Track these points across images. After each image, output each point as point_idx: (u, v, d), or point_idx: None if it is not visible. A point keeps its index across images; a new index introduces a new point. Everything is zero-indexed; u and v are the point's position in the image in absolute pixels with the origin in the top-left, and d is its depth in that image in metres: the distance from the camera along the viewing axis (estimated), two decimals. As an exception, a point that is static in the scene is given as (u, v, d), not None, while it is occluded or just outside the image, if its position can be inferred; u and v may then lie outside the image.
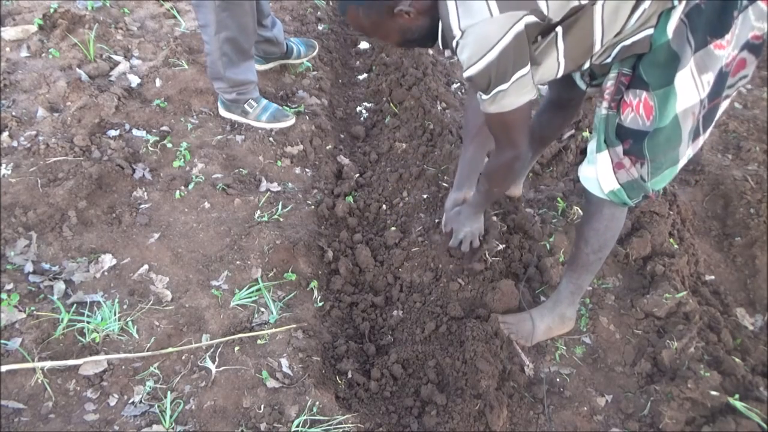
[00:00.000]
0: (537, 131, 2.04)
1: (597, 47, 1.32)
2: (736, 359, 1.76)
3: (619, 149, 1.38)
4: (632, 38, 1.29)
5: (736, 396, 1.64)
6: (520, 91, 1.31)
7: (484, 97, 1.32)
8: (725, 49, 1.25)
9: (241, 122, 2.45)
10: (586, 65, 1.40)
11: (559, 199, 2.25)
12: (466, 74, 1.27)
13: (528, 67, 1.27)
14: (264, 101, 2.45)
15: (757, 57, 1.32)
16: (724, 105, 1.39)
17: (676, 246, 2.07)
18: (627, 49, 1.31)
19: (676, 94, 1.27)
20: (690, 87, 1.27)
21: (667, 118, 1.30)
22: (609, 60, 1.37)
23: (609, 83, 1.38)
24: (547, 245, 2.08)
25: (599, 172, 1.44)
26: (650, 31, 1.27)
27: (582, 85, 1.62)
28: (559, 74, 1.40)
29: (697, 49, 1.24)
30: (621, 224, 1.59)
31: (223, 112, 2.47)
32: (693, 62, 1.25)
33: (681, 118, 1.30)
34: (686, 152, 1.38)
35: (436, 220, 2.14)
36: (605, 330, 1.88)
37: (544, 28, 1.26)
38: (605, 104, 1.38)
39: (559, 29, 1.28)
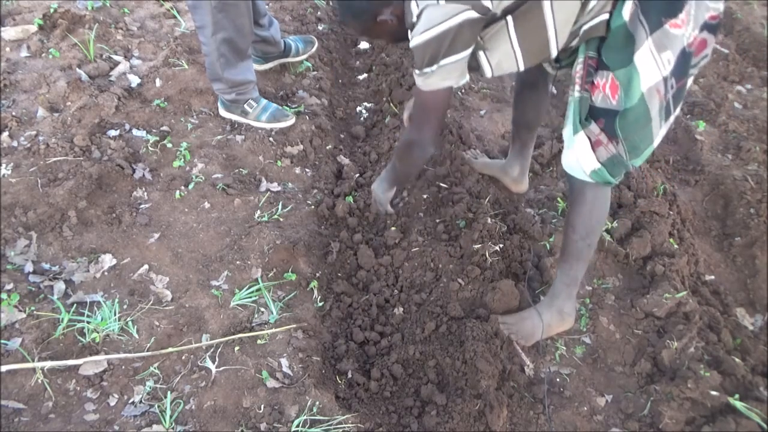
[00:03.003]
0: (520, 119, 2.09)
1: (553, 43, 1.43)
2: (736, 359, 1.76)
3: (594, 127, 1.45)
4: (590, 23, 1.39)
5: (736, 396, 1.64)
6: (444, 76, 1.44)
7: (416, 72, 1.47)
8: (682, 28, 1.33)
9: (241, 122, 2.46)
10: (553, 56, 1.48)
11: (559, 199, 2.25)
12: (411, 44, 1.44)
13: (459, 56, 1.40)
14: (264, 101, 2.45)
15: (715, 36, 1.41)
16: (689, 83, 1.46)
17: (676, 246, 2.06)
18: (586, 33, 1.40)
19: (639, 73, 1.34)
20: (651, 65, 1.34)
21: (633, 98, 1.36)
22: (573, 44, 1.45)
23: (578, 68, 1.45)
24: (547, 245, 2.08)
25: (579, 155, 1.49)
26: (605, 16, 1.36)
27: (550, 70, 1.70)
28: (521, 67, 1.49)
29: (653, 29, 1.32)
30: (606, 207, 1.63)
31: (223, 113, 2.47)
32: (651, 42, 1.32)
33: (647, 96, 1.36)
34: (660, 131, 1.44)
35: (437, 220, 2.14)
36: (605, 330, 1.88)
37: (490, 19, 1.39)
38: (577, 87, 1.45)
39: (509, 19, 1.40)
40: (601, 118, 1.43)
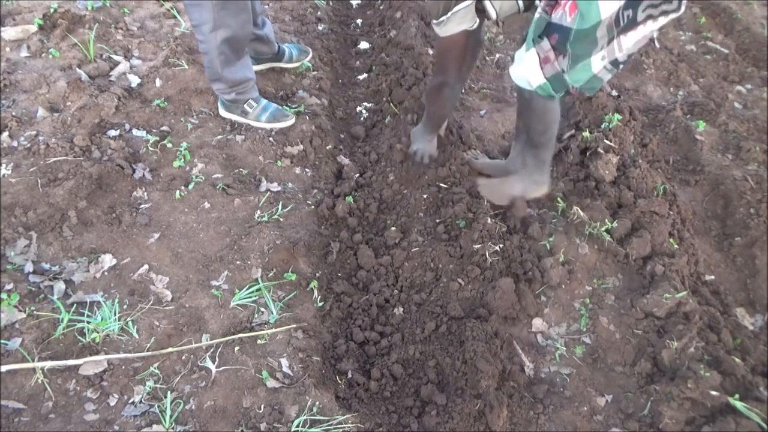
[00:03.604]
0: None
1: None
2: (736, 359, 1.76)
3: (545, 43, 1.62)
4: None
5: (736, 396, 1.64)
6: (458, 21, 1.72)
7: (435, 22, 1.74)
8: None
9: (241, 122, 2.45)
10: None
11: (559, 199, 2.25)
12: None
13: (466, 3, 1.66)
14: (263, 101, 2.45)
15: None
16: (651, 26, 1.55)
17: (676, 246, 2.07)
18: None
19: (598, 3, 1.48)
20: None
21: (588, 22, 1.51)
22: None
23: None
24: (547, 245, 2.08)
25: (527, 69, 1.68)
26: None
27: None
28: (521, 5, 1.70)
29: None
30: (557, 113, 1.83)
31: (223, 113, 2.47)
32: None
33: (604, 23, 1.51)
34: (600, 50, 1.58)
35: (437, 220, 2.14)
36: (605, 330, 1.88)
37: None
38: (540, 10, 1.61)
39: None
40: (554, 34, 1.58)
